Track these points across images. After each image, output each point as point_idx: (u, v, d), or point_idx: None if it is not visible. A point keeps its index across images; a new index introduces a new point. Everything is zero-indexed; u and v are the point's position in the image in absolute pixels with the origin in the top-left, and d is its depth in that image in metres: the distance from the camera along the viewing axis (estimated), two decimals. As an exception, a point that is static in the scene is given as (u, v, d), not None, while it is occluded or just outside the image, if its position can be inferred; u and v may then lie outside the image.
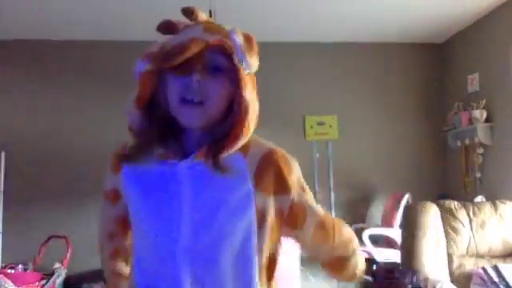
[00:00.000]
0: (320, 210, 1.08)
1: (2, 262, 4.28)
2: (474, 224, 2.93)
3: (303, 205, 1.03)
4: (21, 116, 4.73)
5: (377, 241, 4.39)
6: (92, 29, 4.57)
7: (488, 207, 3.03)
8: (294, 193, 1.01)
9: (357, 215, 4.86)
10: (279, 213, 1.01)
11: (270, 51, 4.85)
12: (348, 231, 1.12)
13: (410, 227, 2.90)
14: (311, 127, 5.02)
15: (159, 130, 0.98)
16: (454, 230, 2.89)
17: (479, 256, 2.91)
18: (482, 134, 4.28)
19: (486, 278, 2.69)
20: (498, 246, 2.93)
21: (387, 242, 4.35)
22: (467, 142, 4.50)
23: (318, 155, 4.68)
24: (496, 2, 4.13)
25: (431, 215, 2.91)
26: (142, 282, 1.00)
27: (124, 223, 1.11)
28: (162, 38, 0.99)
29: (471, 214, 2.96)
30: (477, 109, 4.37)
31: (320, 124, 5.04)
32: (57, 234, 3.93)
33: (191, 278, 0.94)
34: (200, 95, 0.93)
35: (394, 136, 5.06)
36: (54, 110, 4.74)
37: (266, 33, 4.68)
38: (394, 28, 4.76)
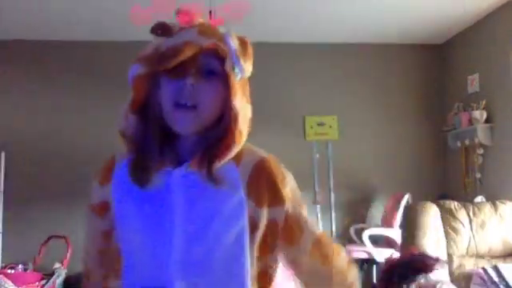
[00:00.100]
0: (317, 227, 1.05)
1: (2, 262, 4.28)
2: (474, 224, 2.93)
3: (298, 218, 1.00)
4: (21, 116, 4.73)
5: (377, 241, 4.39)
6: (92, 29, 4.57)
7: (488, 207, 3.03)
8: (289, 204, 0.99)
9: (357, 215, 4.85)
10: (273, 225, 0.98)
11: (270, 52, 4.88)
12: (347, 258, 1.07)
13: (410, 227, 2.90)
14: (311, 128, 5.03)
15: (155, 135, 0.96)
16: (454, 230, 2.90)
17: (479, 256, 2.91)
18: (481, 134, 4.28)
19: (486, 277, 2.69)
20: (498, 246, 2.94)
21: (387, 243, 4.35)
22: (467, 142, 4.50)
23: (317, 156, 4.69)
24: (496, 2, 4.14)
25: (431, 215, 2.91)
26: None
27: (111, 236, 1.06)
28: (158, 40, 0.97)
29: (471, 214, 2.97)
30: (477, 109, 4.37)
31: (320, 124, 5.04)
32: (57, 234, 3.92)
33: None
34: (193, 99, 0.92)
35: (394, 136, 5.06)
36: (54, 110, 4.75)
37: (266, 33, 4.68)
38: (394, 29, 4.76)
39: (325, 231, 1.07)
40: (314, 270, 1.04)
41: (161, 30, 0.96)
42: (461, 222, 2.91)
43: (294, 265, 1.04)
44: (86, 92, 4.77)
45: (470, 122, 4.40)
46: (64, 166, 4.63)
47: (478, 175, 4.41)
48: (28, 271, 3.94)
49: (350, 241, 4.62)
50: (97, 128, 4.65)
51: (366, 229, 4.37)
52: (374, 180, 4.99)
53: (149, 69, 0.94)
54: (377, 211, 4.90)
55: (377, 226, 4.72)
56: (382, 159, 5.01)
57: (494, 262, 2.86)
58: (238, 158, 0.97)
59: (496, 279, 2.66)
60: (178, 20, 0.98)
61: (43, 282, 3.69)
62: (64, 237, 3.89)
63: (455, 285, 2.70)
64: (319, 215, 4.79)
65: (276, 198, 0.97)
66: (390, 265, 2.46)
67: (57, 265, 3.83)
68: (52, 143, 4.69)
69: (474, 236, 2.90)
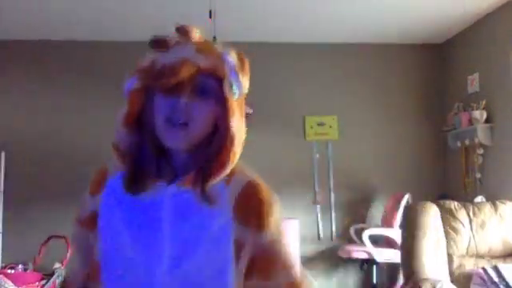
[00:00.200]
0: (296, 272, 1.00)
1: (2, 262, 4.28)
2: (473, 224, 2.93)
3: (277, 252, 0.98)
4: (21, 116, 4.73)
5: (377, 241, 4.39)
6: (92, 29, 4.57)
7: (488, 207, 3.03)
8: (269, 233, 0.96)
9: (357, 215, 4.86)
10: (252, 251, 0.96)
11: (270, 52, 4.89)
12: None
13: (410, 227, 2.90)
14: (311, 128, 5.03)
15: (152, 148, 0.96)
16: (454, 230, 2.90)
17: (479, 256, 2.91)
18: (481, 134, 4.28)
19: (486, 278, 2.69)
20: (498, 246, 2.94)
21: (387, 243, 4.35)
22: (467, 142, 4.50)
23: (318, 156, 4.69)
24: (496, 2, 4.14)
25: (431, 215, 2.91)
26: None
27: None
28: (155, 53, 0.96)
29: (471, 214, 2.97)
30: (477, 109, 4.37)
31: (320, 124, 5.04)
32: (57, 234, 3.92)
33: None
34: (185, 116, 0.91)
35: (394, 136, 5.06)
36: (54, 110, 4.75)
37: (266, 33, 4.69)
38: (394, 29, 4.76)
39: (307, 280, 1.01)
40: None
41: (158, 44, 0.95)
42: (461, 222, 2.91)
43: None
44: (86, 92, 4.77)
45: (470, 121, 4.40)
46: (64, 166, 4.63)
47: (478, 175, 4.41)
48: (28, 271, 3.94)
49: (350, 241, 4.63)
50: (97, 128, 4.65)
51: (365, 229, 4.37)
52: (374, 180, 4.99)
53: (145, 83, 0.93)
54: (377, 211, 4.90)
55: (377, 226, 4.72)
56: (381, 159, 5.01)
57: (494, 262, 2.86)
58: (228, 178, 0.97)
59: (496, 279, 2.66)
60: (177, 33, 0.97)
61: (43, 282, 3.69)
62: (64, 237, 3.88)
63: (455, 285, 2.70)
64: (319, 215, 4.80)
65: (258, 223, 0.96)
66: None
67: (57, 265, 3.83)
68: (52, 143, 4.69)
69: (474, 236, 2.90)
